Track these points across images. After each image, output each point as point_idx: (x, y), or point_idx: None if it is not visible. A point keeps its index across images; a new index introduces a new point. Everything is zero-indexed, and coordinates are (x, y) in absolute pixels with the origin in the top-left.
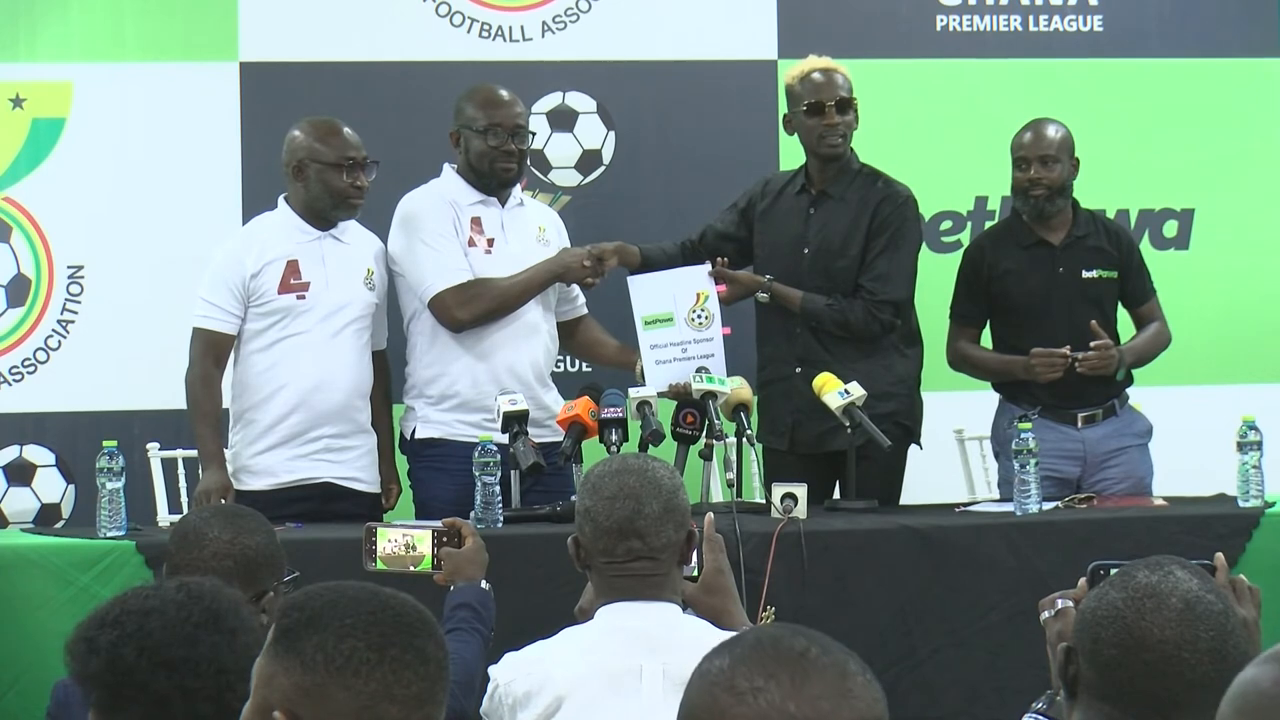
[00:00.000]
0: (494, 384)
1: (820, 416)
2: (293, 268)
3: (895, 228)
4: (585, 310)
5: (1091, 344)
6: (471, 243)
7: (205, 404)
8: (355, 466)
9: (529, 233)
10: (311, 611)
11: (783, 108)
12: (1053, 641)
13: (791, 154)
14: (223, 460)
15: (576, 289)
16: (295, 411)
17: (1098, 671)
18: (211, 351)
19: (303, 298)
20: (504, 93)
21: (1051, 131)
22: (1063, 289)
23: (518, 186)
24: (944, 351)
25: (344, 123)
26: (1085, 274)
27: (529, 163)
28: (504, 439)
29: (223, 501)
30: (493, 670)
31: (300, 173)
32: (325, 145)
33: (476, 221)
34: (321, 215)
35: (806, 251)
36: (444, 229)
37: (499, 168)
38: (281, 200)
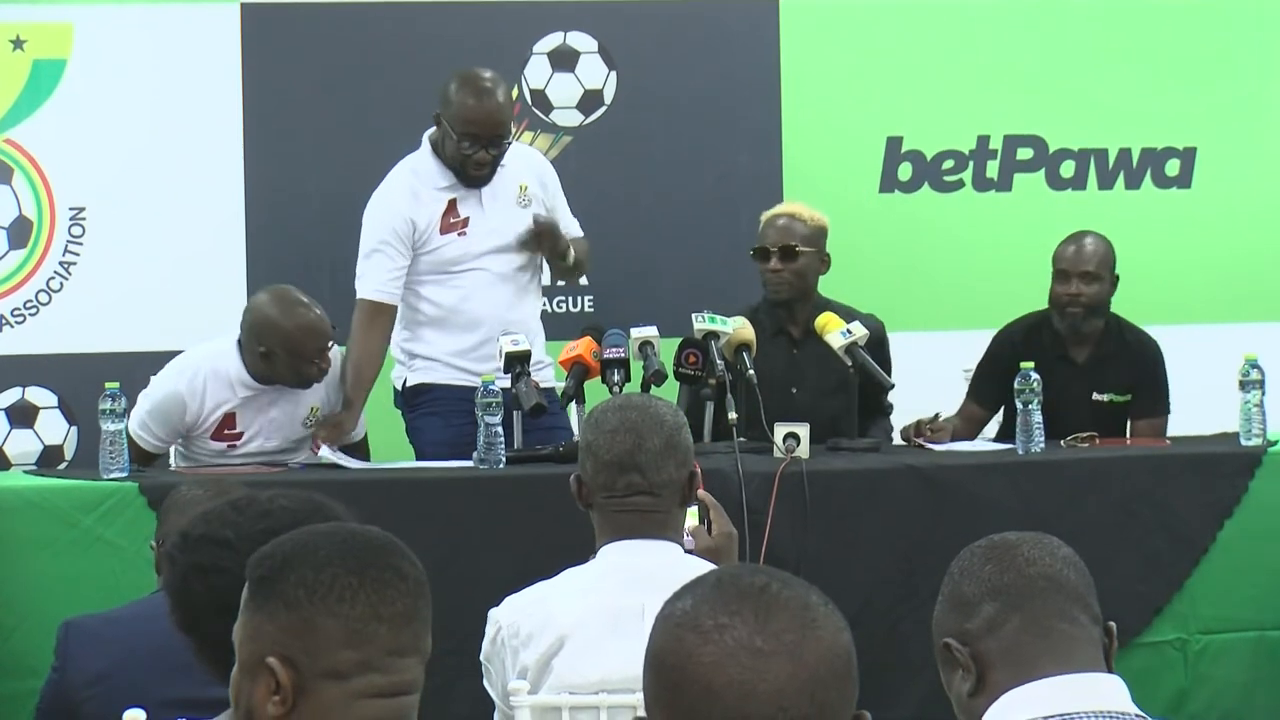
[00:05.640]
0: (476, 356)
1: None
2: (230, 419)
3: (883, 365)
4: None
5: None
6: (445, 229)
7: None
8: None
9: (509, 199)
10: (282, 556)
11: (785, 47)
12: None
13: (793, 95)
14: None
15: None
16: None
17: (1002, 601)
18: (139, 454)
19: (234, 446)
20: (487, 97)
21: (1095, 247)
22: (1070, 406)
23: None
24: (944, 288)
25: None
26: (1095, 396)
27: (530, 103)
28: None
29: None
30: (493, 612)
31: (267, 358)
32: (299, 344)
33: (452, 204)
34: (272, 384)
35: (795, 391)
36: (386, 237)
37: (470, 173)
38: (235, 345)
